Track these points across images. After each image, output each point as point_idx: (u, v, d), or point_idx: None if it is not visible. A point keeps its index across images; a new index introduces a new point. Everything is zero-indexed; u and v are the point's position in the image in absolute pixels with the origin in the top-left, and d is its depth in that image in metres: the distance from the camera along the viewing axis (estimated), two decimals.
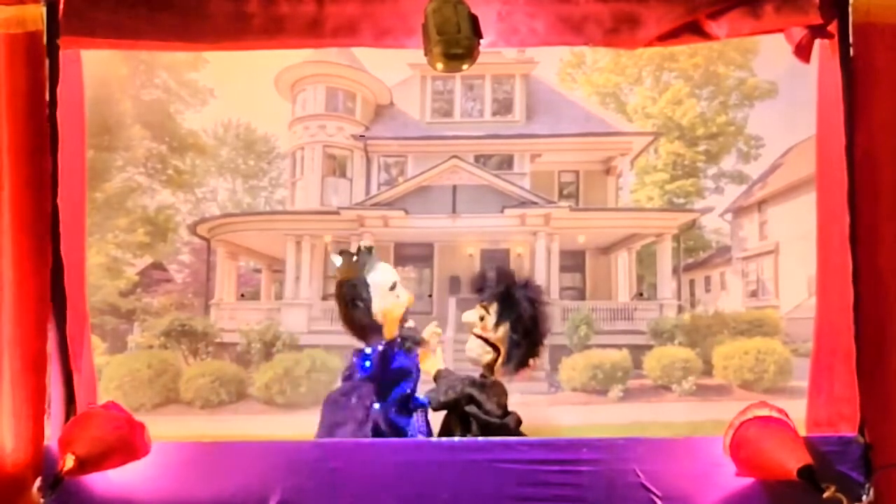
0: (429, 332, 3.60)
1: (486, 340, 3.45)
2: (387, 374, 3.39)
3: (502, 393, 3.46)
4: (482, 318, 3.48)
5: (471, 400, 3.38)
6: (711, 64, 5.92)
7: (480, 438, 3.11)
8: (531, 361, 3.51)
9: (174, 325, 5.87)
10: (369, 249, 3.54)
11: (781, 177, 5.87)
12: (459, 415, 3.43)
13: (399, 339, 3.44)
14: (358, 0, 3.20)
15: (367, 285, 3.39)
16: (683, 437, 3.27)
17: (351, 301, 3.38)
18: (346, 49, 6.01)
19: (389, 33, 3.24)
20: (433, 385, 3.48)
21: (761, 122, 5.91)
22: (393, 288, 3.44)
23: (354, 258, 3.48)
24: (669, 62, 5.99)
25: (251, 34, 3.20)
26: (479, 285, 3.55)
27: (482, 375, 3.47)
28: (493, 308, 3.46)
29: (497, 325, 3.43)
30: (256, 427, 5.53)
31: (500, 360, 3.44)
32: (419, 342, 3.52)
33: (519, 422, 3.47)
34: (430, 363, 3.66)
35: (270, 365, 5.79)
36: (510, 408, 3.41)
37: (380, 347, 3.38)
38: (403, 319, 3.52)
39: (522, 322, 3.40)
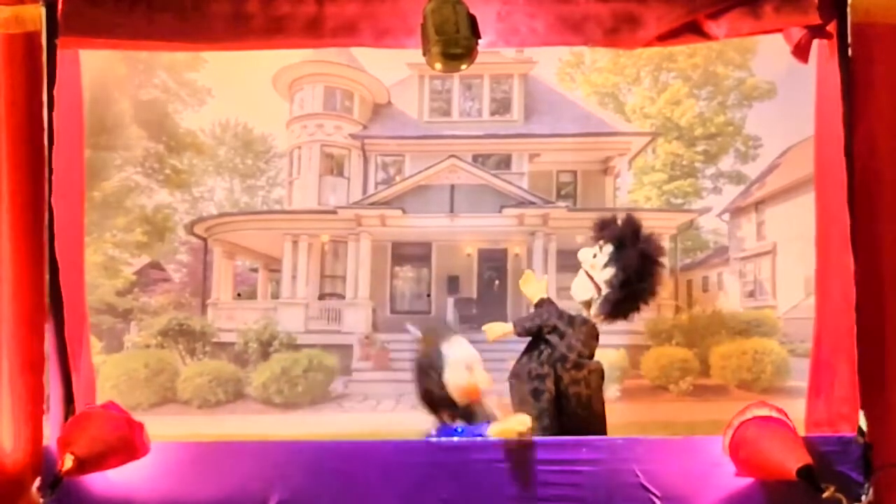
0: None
1: (591, 279, 3.52)
2: None
3: (592, 335, 3.51)
4: (594, 256, 3.55)
5: (553, 330, 3.44)
6: (710, 64, 5.92)
7: (480, 439, 3.10)
8: (628, 316, 3.56)
9: (171, 324, 5.86)
10: (450, 326, 3.54)
11: (779, 177, 5.87)
12: (540, 341, 3.49)
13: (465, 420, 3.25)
14: (357, 0, 3.20)
15: (442, 357, 3.25)
16: (683, 437, 3.27)
17: (425, 370, 3.26)
18: (345, 48, 6.00)
19: (389, 33, 3.24)
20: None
21: (760, 122, 5.91)
22: (470, 367, 3.25)
23: (433, 331, 3.45)
24: (668, 62, 5.98)
25: (250, 34, 3.20)
26: (604, 224, 3.61)
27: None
28: (606, 249, 3.51)
29: (604, 266, 3.49)
30: (254, 427, 5.53)
31: (595, 303, 3.50)
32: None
33: (602, 373, 3.52)
34: (533, 289, 3.70)
35: (268, 364, 5.79)
36: None
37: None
38: (478, 401, 3.31)
39: (626, 272, 3.45)
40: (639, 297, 3.54)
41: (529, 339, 3.65)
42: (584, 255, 3.64)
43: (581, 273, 3.63)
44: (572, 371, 3.47)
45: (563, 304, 3.75)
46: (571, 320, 3.52)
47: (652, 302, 3.60)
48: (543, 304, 3.72)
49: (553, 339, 3.48)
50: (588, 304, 3.57)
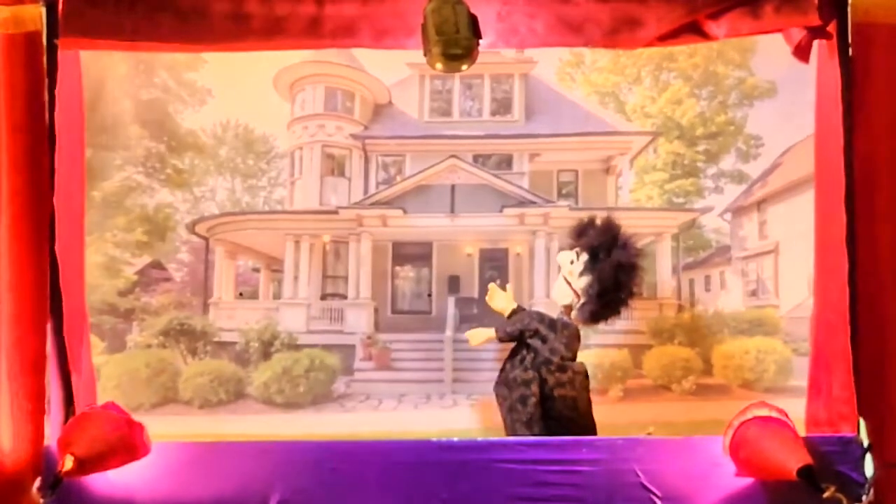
0: None
1: (569, 284, 3.55)
2: None
3: (574, 337, 3.53)
4: (572, 262, 3.57)
5: (535, 334, 3.46)
6: (710, 63, 5.91)
7: (480, 439, 3.11)
8: (608, 320, 3.59)
9: (173, 324, 5.86)
10: None
11: (781, 176, 5.86)
12: (522, 346, 3.51)
13: None
14: (357, 1, 3.21)
15: None
16: (683, 437, 3.27)
17: None
18: (345, 49, 5.99)
19: (388, 34, 3.24)
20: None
21: (761, 121, 5.89)
22: None
23: None
24: (668, 62, 5.97)
25: (250, 35, 3.21)
26: (581, 231, 3.64)
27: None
28: (583, 258, 3.54)
29: (581, 274, 3.52)
30: (255, 426, 5.53)
31: (575, 307, 3.53)
32: None
33: (586, 374, 3.53)
34: (502, 302, 3.72)
35: (269, 364, 5.78)
36: None
37: None
38: None
39: (602, 283, 3.47)
40: (617, 305, 3.56)
41: (513, 344, 3.67)
42: (563, 259, 3.67)
43: (560, 277, 3.66)
44: (557, 374, 3.48)
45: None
46: (553, 324, 3.53)
47: (633, 302, 3.62)
48: (517, 313, 3.73)
49: (535, 343, 3.49)
50: (569, 308, 3.59)
